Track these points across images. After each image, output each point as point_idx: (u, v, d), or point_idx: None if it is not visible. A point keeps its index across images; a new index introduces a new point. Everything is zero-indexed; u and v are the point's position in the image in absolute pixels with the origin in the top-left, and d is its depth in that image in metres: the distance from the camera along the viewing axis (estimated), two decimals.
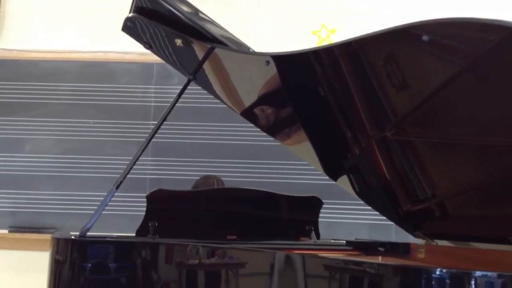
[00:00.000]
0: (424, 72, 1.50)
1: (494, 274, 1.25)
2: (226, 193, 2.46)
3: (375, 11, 3.53)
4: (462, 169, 1.70)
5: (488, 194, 1.68)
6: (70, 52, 3.58)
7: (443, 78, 1.44)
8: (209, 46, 1.94)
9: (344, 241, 2.28)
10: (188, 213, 2.25)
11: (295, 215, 2.37)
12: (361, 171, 2.00)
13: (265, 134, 2.19)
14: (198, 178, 2.96)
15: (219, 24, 2.14)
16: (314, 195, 2.37)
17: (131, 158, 2.02)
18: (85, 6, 3.64)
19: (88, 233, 1.91)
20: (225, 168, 3.36)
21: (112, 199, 1.97)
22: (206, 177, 2.95)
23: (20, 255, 3.40)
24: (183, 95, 2.11)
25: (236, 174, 3.34)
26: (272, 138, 2.21)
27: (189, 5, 2.05)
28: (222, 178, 2.91)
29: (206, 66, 2.05)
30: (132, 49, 3.09)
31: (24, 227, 3.39)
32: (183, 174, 3.39)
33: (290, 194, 2.37)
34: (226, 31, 2.13)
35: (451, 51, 1.37)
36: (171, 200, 2.24)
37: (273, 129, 2.17)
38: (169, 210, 2.20)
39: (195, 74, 2.10)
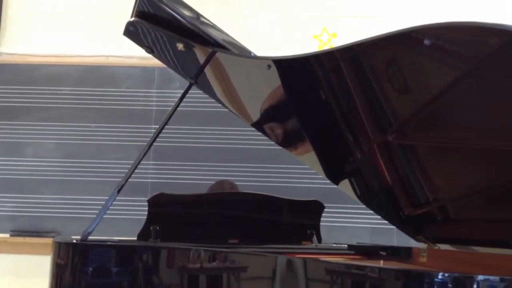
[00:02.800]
0: (426, 76, 1.50)
1: (497, 278, 1.25)
2: (227, 197, 2.46)
3: (377, 16, 3.53)
4: (464, 173, 1.69)
5: (490, 198, 1.67)
6: (72, 56, 3.59)
7: (445, 82, 1.44)
8: (210, 50, 1.94)
9: (346, 245, 2.27)
10: (189, 217, 2.25)
11: (297, 219, 2.37)
12: (363, 175, 2.00)
13: (266, 138, 2.19)
14: (214, 182, 2.93)
15: (220, 29, 2.14)
16: (316, 199, 2.36)
17: (132, 162, 2.02)
18: (87, 10, 3.66)
19: (90, 237, 1.91)
20: (226, 172, 3.36)
21: (113, 203, 1.97)
22: (222, 182, 2.93)
23: (21, 259, 3.40)
24: (184, 99, 2.11)
25: (238, 178, 3.33)
26: (273, 142, 2.20)
27: (191, 10, 2.06)
28: (235, 184, 2.88)
29: (208, 70, 2.05)
30: (134, 53, 3.10)
31: (26, 231, 3.39)
32: (184, 178, 3.40)
33: (292, 198, 2.36)
34: (227, 35, 2.14)
35: (452, 55, 1.37)
36: (173, 204, 2.24)
37: (274, 133, 2.17)
38: (170, 214, 2.19)
39: (196, 78, 2.10)
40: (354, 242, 2.39)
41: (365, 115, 1.74)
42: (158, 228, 2.07)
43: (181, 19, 1.92)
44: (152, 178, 3.42)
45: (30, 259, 3.36)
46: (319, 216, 2.37)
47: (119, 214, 3.24)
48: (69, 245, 1.90)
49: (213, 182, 2.89)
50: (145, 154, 2.03)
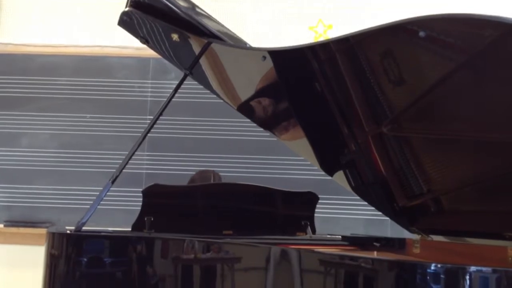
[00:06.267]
0: (421, 68, 1.50)
1: (489, 269, 1.25)
2: (222, 188, 2.46)
3: (373, 7, 3.53)
4: (458, 165, 1.70)
5: (483, 190, 1.68)
6: (67, 46, 3.57)
7: (440, 74, 1.44)
8: (205, 41, 1.93)
9: (340, 236, 2.28)
10: (184, 208, 2.25)
11: (291, 210, 2.38)
12: (357, 166, 2.00)
13: (262, 129, 2.19)
14: (195, 173, 2.96)
15: (215, 19, 2.13)
16: (310, 190, 2.37)
17: (127, 152, 2.01)
18: (82, 0, 3.63)
19: (84, 228, 1.91)
20: (221, 163, 3.36)
21: (108, 193, 1.97)
22: (203, 171, 2.95)
23: (15, 250, 3.40)
24: (179, 90, 2.10)
25: (232, 169, 3.34)
26: (268, 133, 2.20)
27: (186, 0, 2.05)
28: (218, 173, 2.91)
29: (203, 61, 2.05)
30: (129, 44, 3.09)
31: (20, 221, 3.39)
32: (179, 169, 3.39)
33: (286, 189, 2.37)
34: (223, 26, 2.13)
35: (447, 47, 1.37)
36: (167, 195, 2.24)
37: (270, 124, 2.17)
38: (165, 205, 2.20)
39: (191, 69, 2.09)
40: (348, 233, 2.40)
41: (360, 106, 1.74)
42: (152, 219, 2.08)
43: (176, 9, 1.91)
44: (146, 169, 3.42)
45: (24, 249, 3.35)
46: (313, 207, 2.37)
47: (113, 205, 3.23)
48: (63, 235, 1.90)
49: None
50: (139, 144, 2.03)
